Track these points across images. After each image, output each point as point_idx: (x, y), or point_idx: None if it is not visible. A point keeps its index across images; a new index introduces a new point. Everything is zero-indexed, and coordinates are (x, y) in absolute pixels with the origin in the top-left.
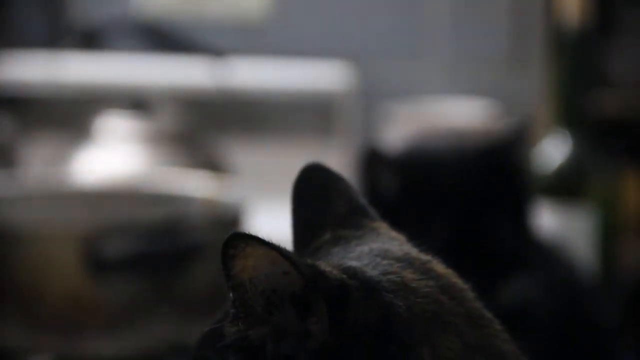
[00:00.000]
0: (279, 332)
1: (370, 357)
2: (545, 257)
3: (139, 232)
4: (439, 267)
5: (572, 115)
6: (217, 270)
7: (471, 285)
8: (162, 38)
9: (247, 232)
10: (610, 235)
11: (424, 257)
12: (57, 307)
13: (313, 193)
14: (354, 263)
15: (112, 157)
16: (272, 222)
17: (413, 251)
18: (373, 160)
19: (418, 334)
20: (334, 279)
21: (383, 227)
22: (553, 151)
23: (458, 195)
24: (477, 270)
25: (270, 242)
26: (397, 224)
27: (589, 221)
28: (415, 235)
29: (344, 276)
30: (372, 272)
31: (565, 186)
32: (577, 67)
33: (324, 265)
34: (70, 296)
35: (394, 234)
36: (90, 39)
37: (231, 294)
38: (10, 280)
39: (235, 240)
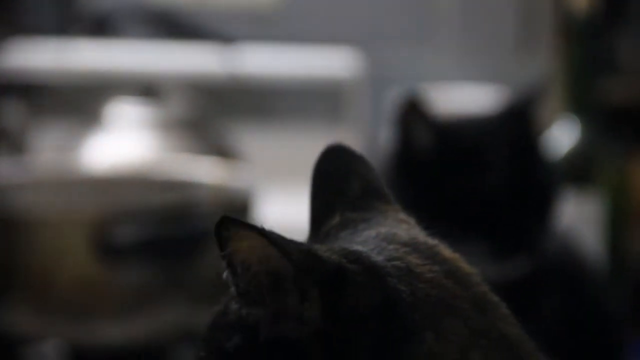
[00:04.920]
0: (273, 314)
1: (373, 343)
2: (555, 241)
3: (148, 218)
4: (445, 251)
5: (581, 102)
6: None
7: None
8: (173, 25)
9: (236, 218)
10: (618, 220)
11: (431, 241)
12: (67, 293)
13: (331, 175)
14: (359, 248)
15: (122, 144)
16: (281, 208)
17: (420, 235)
18: (411, 112)
19: (422, 319)
20: (330, 264)
21: (393, 209)
22: (562, 137)
23: (489, 151)
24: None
25: (260, 227)
26: (427, 177)
27: (597, 207)
28: (442, 189)
29: (344, 260)
30: (377, 257)
31: (574, 172)
32: (586, 54)
33: (322, 249)
34: (80, 282)
35: (402, 216)
36: (101, 26)
37: (228, 273)
38: (20, 266)
39: (226, 223)
